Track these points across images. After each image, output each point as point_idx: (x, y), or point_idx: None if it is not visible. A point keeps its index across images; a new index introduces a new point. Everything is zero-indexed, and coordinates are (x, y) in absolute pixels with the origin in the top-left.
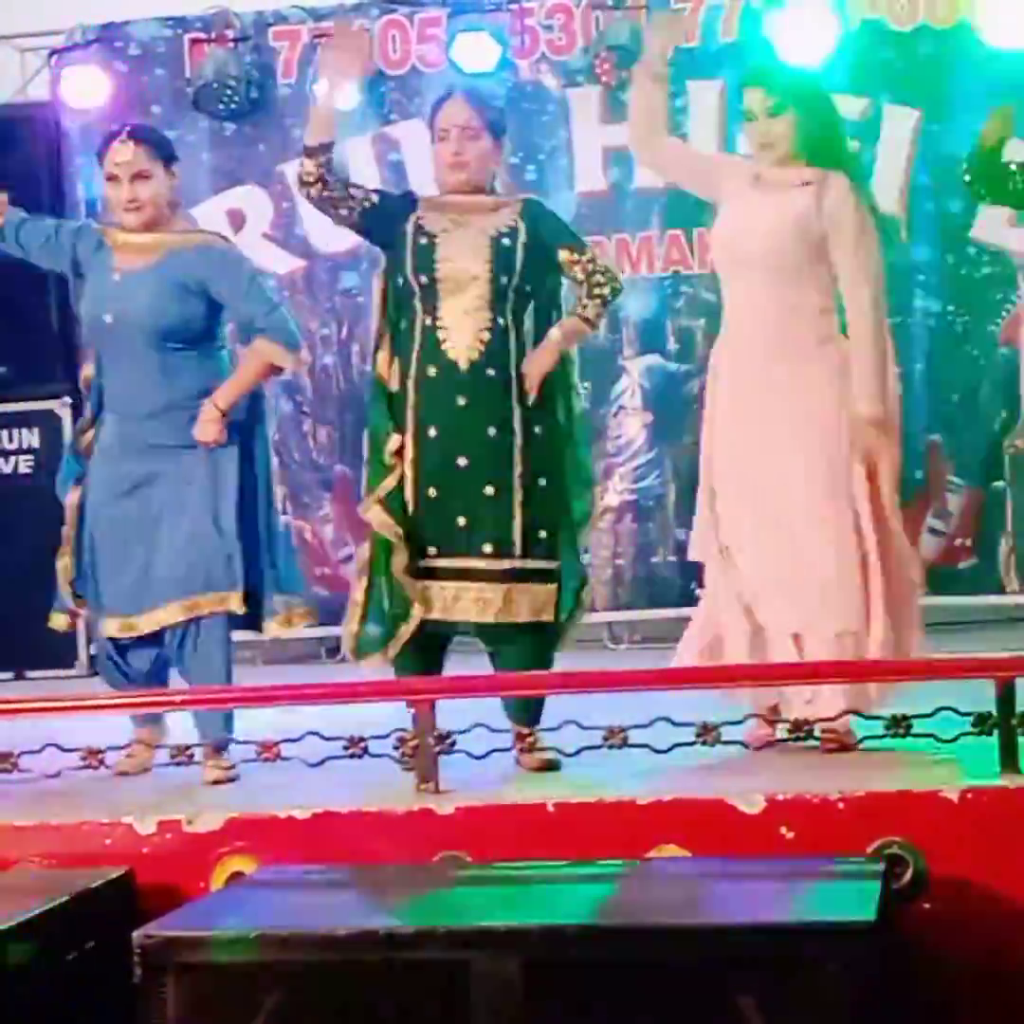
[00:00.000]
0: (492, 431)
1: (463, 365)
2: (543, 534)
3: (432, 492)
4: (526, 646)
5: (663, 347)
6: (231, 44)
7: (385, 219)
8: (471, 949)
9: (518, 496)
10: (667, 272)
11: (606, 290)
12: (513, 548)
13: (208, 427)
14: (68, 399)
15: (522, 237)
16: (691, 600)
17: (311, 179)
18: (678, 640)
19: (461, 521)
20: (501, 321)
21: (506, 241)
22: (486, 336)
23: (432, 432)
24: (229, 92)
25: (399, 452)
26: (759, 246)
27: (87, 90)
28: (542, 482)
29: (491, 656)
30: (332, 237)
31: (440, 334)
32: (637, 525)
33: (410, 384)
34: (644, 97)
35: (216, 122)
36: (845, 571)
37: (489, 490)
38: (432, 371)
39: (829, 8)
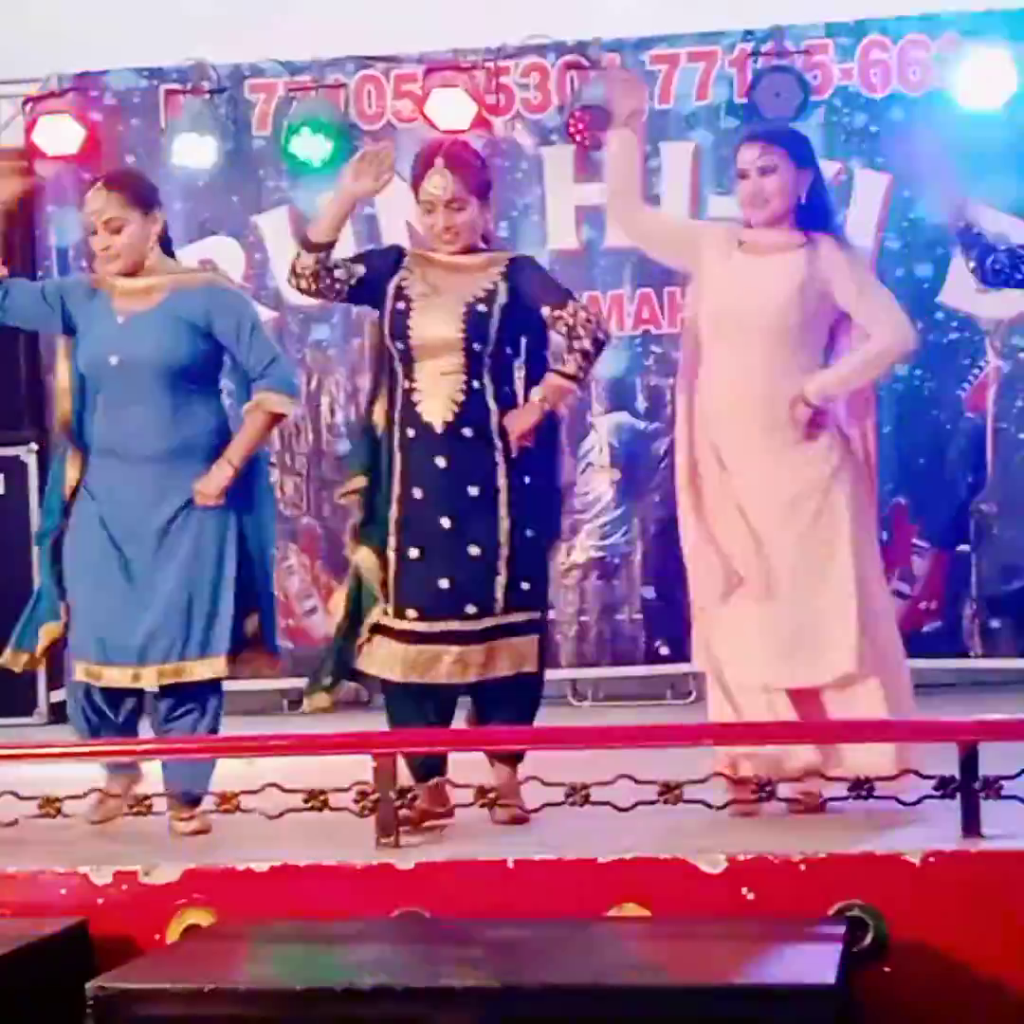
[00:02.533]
0: (473, 490)
1: (439, 427)
2: (526, 585)
3: (414, 553)
4: (509, 697)
5: (632, 405)
6: (207, 95)
7: (370, 286)
8: (429, 1006)
9: (504, 552)
10: (637, 331)
11: (586, 343)
12: (495, 605)
13: (217, 484)
14: (34, 446)
15: (501, 299)
16: (656, 658)
17: (306, 273)
18: (642, 698)
19: (443, 584)
20: (476, 384)
21: (481, 307)
22: (460, 397)
23: (417, 494)
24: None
25: (356, 492)
26: (761, 310)
27: (61, 138)
28: (529, 533)
29: (474, 706)
30: None
31: (415, 397)
32: (603, 582)
33: (395, 445)
34: (618, 166)
35: (190, 172)
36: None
37: (474, 550)
38: (411, 433)
39: (801, 75)
